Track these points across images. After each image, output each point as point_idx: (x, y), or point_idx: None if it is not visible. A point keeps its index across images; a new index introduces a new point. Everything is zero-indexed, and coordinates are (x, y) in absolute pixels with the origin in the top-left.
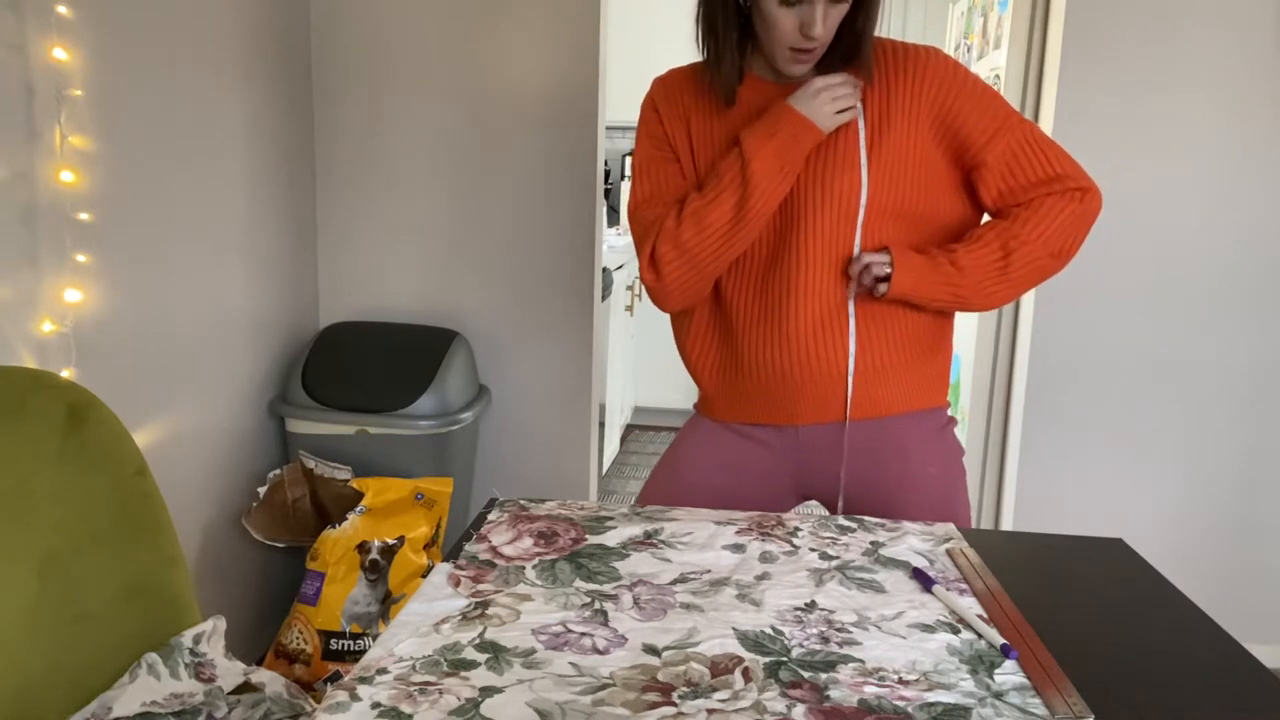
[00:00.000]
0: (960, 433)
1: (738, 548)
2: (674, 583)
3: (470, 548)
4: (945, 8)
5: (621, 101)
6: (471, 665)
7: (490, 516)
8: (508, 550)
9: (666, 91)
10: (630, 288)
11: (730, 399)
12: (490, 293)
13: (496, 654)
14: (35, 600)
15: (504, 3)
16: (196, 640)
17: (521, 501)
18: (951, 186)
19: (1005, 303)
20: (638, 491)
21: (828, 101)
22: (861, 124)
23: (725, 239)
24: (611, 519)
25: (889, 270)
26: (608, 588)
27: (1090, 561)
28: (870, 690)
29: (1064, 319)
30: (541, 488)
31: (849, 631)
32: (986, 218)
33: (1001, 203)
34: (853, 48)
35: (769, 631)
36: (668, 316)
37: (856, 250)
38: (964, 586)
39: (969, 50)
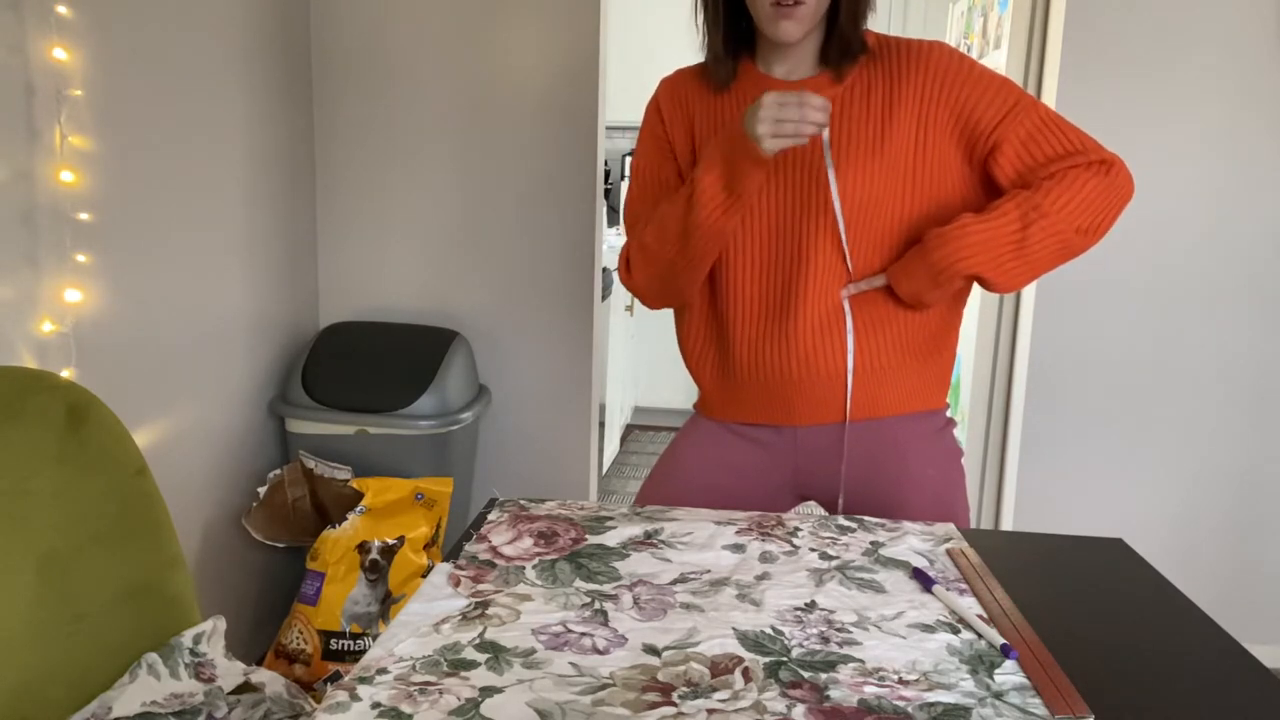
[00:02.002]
0: (960, 433)
1: (738, 548)
2: (674, 583)
3: (470, 548)
4: (945, 8)
5: (621, 101)
6: (471, 665)
7: (490, 516)
8: (508, 550)
9: (672, 91)
10: None
11: (729, 399)
12: (490, 293)
13: (496, 654)
14: (35, 600)
15: (504, 3)
16: (196, 640)
17: (521, 501)
18: (966, 183)
19: (1027, 282)
20: (638, 491)
21: (768, 122)
22: (861, 130)
23: (679, 248)
24: (611, 519)
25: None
26: (608, 588)
27: (1090, 561)
28: (870, 690)
29: (1064, 319)
30: (541, 488)
31: (849, 631)
32: None
33: (1020, 183)
34: (846, 26)
35: (769, 631)
36: (669, 316)
37: (848, 253)
38: (964, 586)
39: (969, 50)
